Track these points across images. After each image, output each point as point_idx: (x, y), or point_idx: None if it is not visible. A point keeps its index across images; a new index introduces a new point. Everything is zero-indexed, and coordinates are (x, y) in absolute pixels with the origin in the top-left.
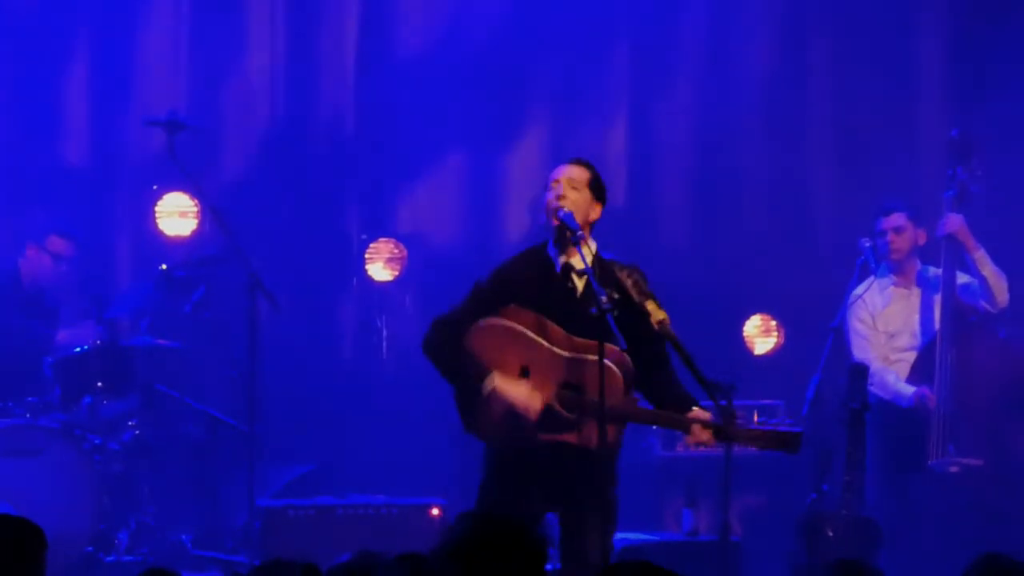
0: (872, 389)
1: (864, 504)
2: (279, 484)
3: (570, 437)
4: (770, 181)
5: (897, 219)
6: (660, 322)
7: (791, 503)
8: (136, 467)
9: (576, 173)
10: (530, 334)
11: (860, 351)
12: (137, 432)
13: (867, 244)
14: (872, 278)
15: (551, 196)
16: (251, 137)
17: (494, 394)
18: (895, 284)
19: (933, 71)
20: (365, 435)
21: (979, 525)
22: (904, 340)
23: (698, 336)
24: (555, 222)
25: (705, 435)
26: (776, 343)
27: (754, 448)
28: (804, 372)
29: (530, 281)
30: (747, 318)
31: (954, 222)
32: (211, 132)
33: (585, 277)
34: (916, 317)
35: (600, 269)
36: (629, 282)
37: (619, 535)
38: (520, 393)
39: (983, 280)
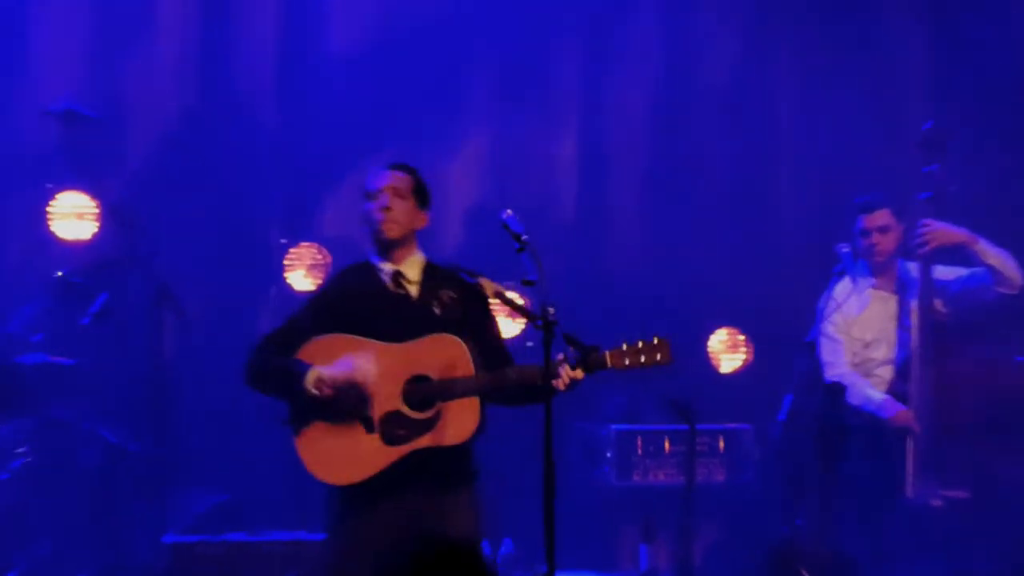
0: (847, 400)
1: (841, 539)
2: (188, 517)
3: (424, 440)
4: (736, 182)
5: (882, 217)
6: (496, 292)
7: (759, 538)
8: (28, 499)
9: (400, 181)
10: (363, 338)
11: (830, 355)
12: (29, 459)
13: (845, 249)
14: (847, 278)
15: (375, 207)
16: (158, 130)
17: (321, 383)
18: (874, 287)
19: (907, 60)
20: (285, 463)
21: (965, 564)
22: (881, 351)
23: None
24: (387, 235)
25: (575, 372)
26: (744, 360)
27: (626, 368)
28: (775, 392)
29: (358, 296)
30: (712, 332)
31: (936, 233)
32: (113, 124)
33: (419, 282)
34: (893, 325)
35: (431, 276)
36: (457, 272)
37: (568, 575)
38: (354, 368)
39: (990, 269)
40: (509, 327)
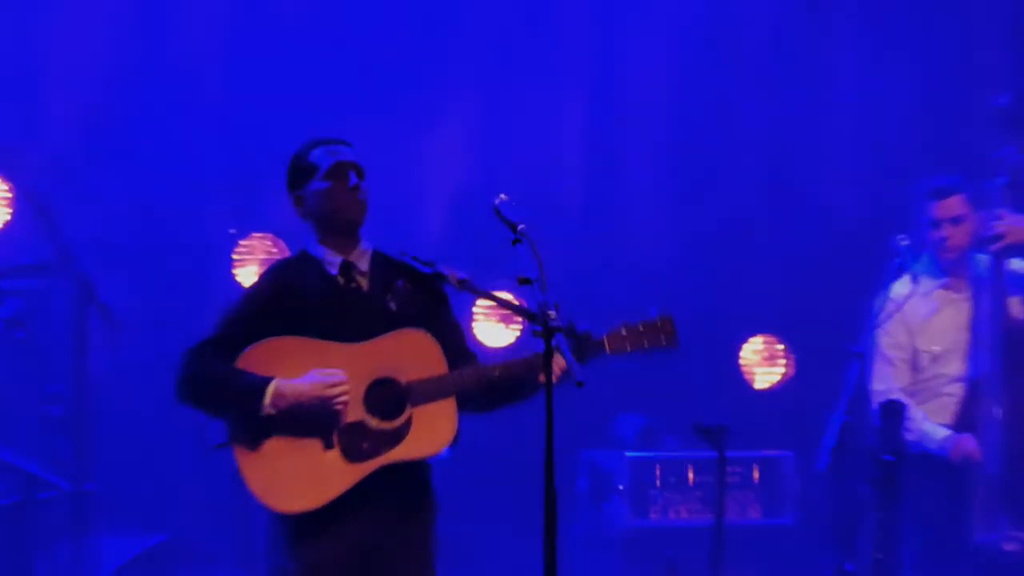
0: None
1: None
2: (117, 562)
3: (394, 454)
4: (773, 167)
5: (955, 205)
6: (460, 281)
7: None
8: None
9: (359, 158)
10: (314, 340)
11: (880, 380)
12: None
13: (904, 242)
14: (906, 276)
15: (337, 187)
16: (83, 101)
17: (280, 397)
18: (944, 287)
19: (979, 28)
20: (231, 496)
21: None
22: (952, 365)
23: (683, 366)
24: (356, 218)
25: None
26: (783, 374)
27: (627, 353)
28: (821, 413)
29: (303, 292)
30: (746, 341)
31: (1012, 229)
32: (29, 94)
33: (368, 274)
34: (967, 334)
35: (381, 266)
36: (410, 262)
37: None
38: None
39: None
40: (502, 335)
